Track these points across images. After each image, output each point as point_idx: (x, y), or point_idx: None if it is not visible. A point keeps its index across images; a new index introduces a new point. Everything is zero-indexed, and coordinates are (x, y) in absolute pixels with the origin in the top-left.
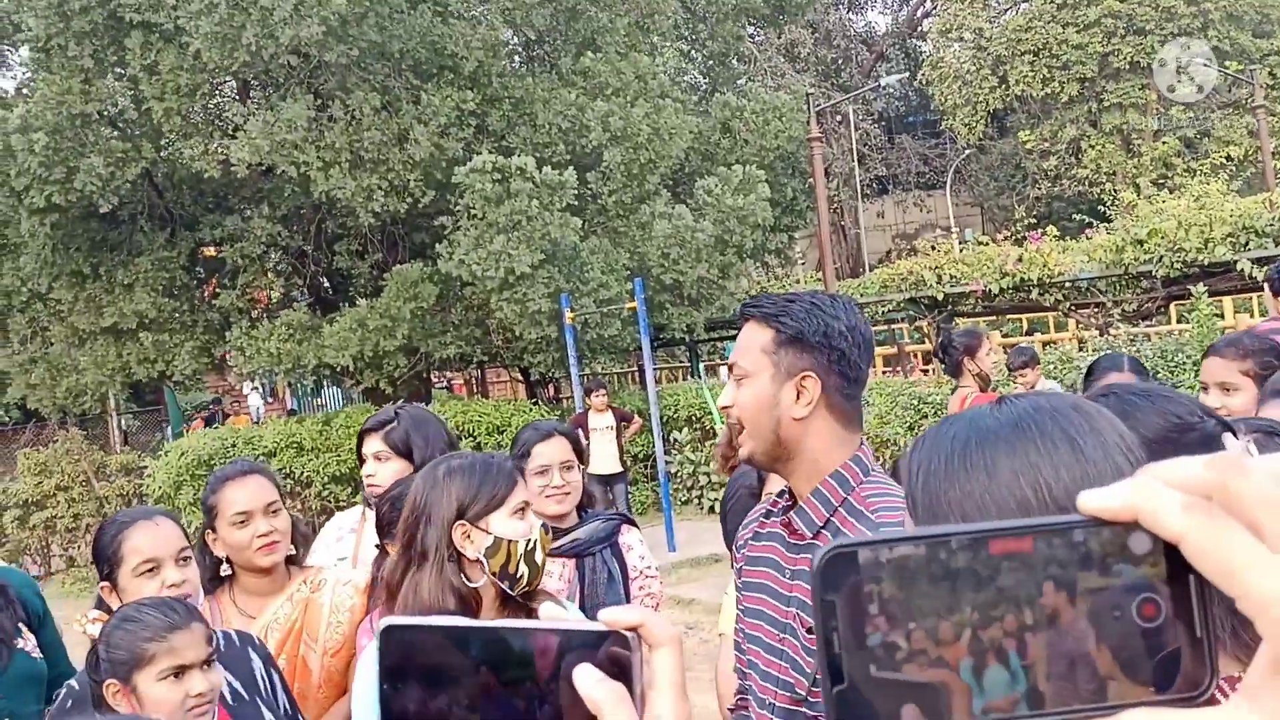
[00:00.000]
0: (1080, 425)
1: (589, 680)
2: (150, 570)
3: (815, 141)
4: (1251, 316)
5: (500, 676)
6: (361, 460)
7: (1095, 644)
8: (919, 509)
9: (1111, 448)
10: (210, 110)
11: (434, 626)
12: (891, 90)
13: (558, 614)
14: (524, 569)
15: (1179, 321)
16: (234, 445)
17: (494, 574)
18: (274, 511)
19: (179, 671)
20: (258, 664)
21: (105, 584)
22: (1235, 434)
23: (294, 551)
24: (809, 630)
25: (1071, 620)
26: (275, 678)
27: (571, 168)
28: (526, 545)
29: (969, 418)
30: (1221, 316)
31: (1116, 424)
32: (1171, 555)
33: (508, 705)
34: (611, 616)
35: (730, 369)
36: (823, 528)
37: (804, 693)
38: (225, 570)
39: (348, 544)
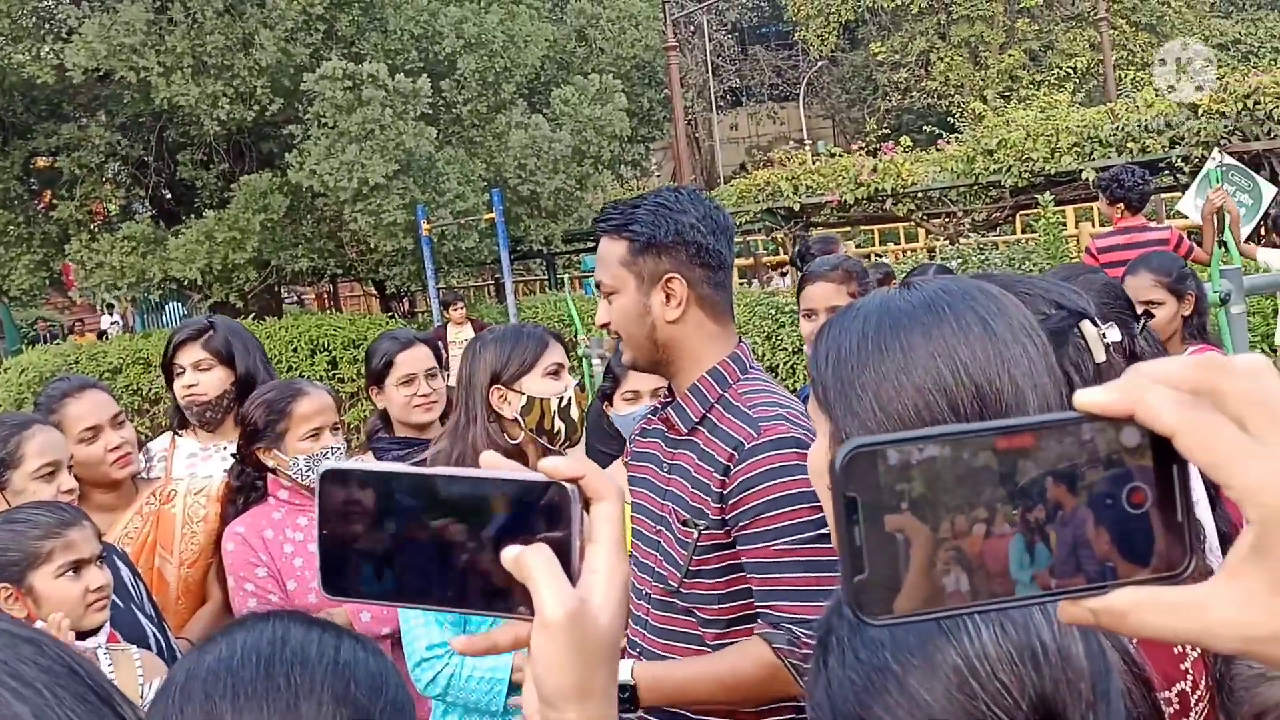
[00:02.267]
0: (990, 307)
1: (510, 555)
2: (51, 473)
3: (671, 50)
4: (1093, 225)
5: (433, 522)
6: (171, 375)
7: (1094, 529)
8: (830, 394)
9: (1018, 329)
10: (41, 12)
11: (368, 471)
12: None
13: (498, 462)
14: (560, 425)
15: (1025, 231)
16: (77, 361)
17: (530, 430)
18: (120, 423)
19: (77, 567)
20: (126, 573)
21: None
22: (1094, 322)
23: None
24: (684, 524)
25: (1073, 508)
26: (142, 587)
27: (425, 75)
28: (560, 403)
29: (878, 302)
30: (1065, 225)
31: (1020, 306)
32: (1157, 447)
33: (438, 548)
34: (552, 466)
35: (598, 286)
36: (698, 423)
37: (676, 584)
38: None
39: (158, 472)
